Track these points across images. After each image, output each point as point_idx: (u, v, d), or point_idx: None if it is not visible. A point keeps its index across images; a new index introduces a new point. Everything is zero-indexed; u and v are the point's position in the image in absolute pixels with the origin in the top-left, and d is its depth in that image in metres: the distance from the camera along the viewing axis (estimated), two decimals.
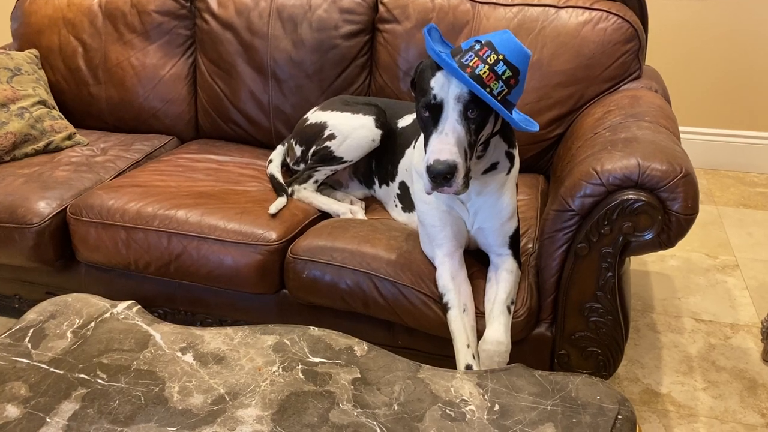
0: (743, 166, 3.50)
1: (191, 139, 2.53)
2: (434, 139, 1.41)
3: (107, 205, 1.92)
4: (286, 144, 2.20)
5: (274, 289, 1.85)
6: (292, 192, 2.00)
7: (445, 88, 1.40)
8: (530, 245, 1.78)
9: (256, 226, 1.83)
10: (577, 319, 1.60)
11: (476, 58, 1.39)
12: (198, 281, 1.88)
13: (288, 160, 2.16)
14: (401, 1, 2.21)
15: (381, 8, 2.24)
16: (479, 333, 1.57)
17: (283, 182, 2.05)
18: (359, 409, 1.07)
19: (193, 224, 1.85)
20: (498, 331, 1.53)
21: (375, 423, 1.04)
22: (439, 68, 1.41)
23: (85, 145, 2.38)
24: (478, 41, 1.42)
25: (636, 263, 2.61)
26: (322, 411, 1.06)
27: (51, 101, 2.44)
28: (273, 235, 1.80)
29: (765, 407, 1.89)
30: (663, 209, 1.44)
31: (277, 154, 2.19)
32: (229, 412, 1.07)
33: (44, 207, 1.96)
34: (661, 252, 2.69)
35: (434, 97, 1.40)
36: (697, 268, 2.61)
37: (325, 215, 1.97)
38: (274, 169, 2.12)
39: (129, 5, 2.45)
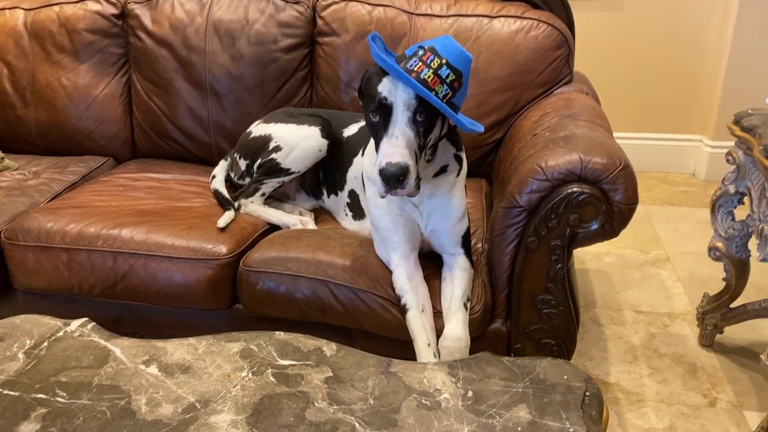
0: (665, 167, 3.70)
1: (128, 159, 2.47)
2: (385, 143, 1.43)
3: (45, 228, 1.85)
4: (229, 159, 2.17)
5: (227, 304, 1.82)
6: (239, 206, 1.97)
7: (392, 92, 1.42)
8: (479, 245, 1.82)
9: (205, 241, 1.79)
10: (531, 312, 1.64)
11: (420, 63, 1.43)
12: (147, 301, 1.82)
13: (232, 174, 2.13)
14: (339, 15, 2.23)
15: (319, 21, 2.26)
16: (438, 332, 1.59)
17: (228, 197, 2.02)
18: (335, 406, 1.06)
19: (139, 242, 1.80)
20: (457, 327, 1.55)
21: (352, 418, 1.03)
22: (385, 74, 1.44)
23: (15, 170, 2.28)
24: (421, 47, 1.46)
25: (575, 262, 2.71)
26: (297, 411, 1.05)
27: None
28: (223, 249, 1.78)
29: (705, 388, 1.99)
30: (606, 200, 1.51)
31: (220, 169, 2.16)
32: (201, 420, 1.04)
33: None
34: (597, 250, 2.80)
35: (382, 101, 1.43)
36: (631, 264, 2.73)
37: (274, 228, 1.95)
38: (218, 184, 2.09)
39: (57, 24, 2.38)
